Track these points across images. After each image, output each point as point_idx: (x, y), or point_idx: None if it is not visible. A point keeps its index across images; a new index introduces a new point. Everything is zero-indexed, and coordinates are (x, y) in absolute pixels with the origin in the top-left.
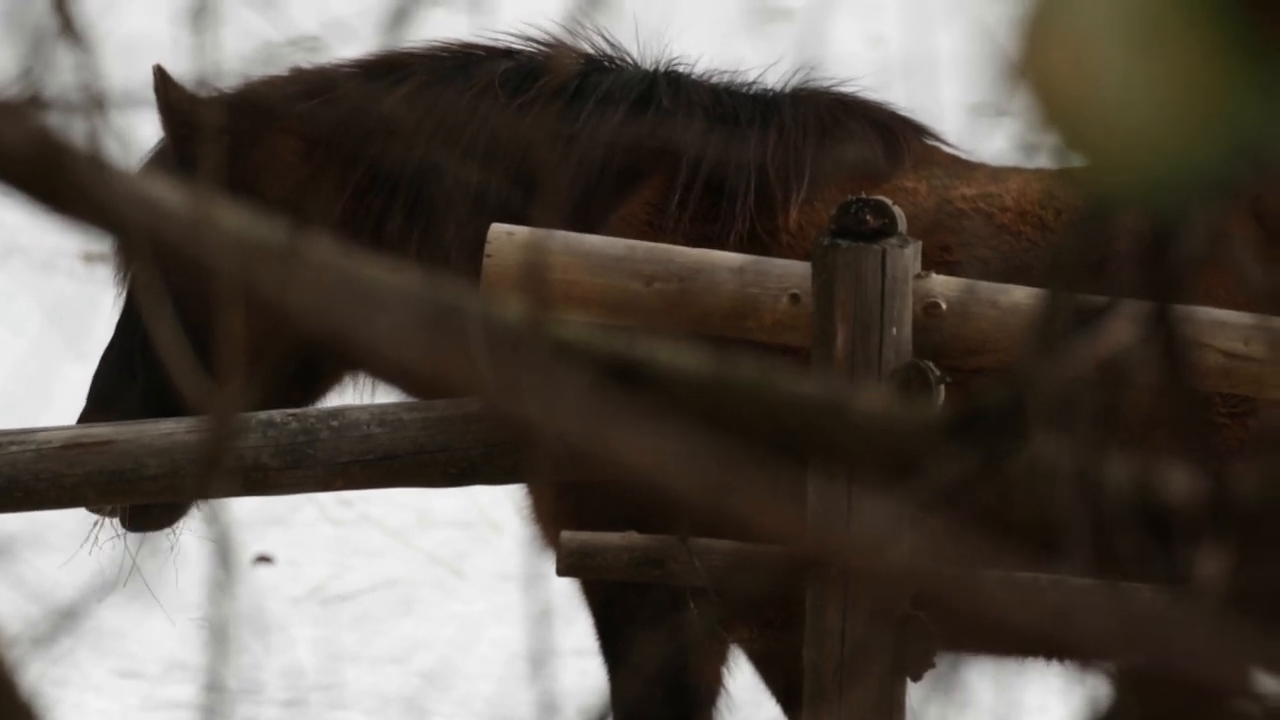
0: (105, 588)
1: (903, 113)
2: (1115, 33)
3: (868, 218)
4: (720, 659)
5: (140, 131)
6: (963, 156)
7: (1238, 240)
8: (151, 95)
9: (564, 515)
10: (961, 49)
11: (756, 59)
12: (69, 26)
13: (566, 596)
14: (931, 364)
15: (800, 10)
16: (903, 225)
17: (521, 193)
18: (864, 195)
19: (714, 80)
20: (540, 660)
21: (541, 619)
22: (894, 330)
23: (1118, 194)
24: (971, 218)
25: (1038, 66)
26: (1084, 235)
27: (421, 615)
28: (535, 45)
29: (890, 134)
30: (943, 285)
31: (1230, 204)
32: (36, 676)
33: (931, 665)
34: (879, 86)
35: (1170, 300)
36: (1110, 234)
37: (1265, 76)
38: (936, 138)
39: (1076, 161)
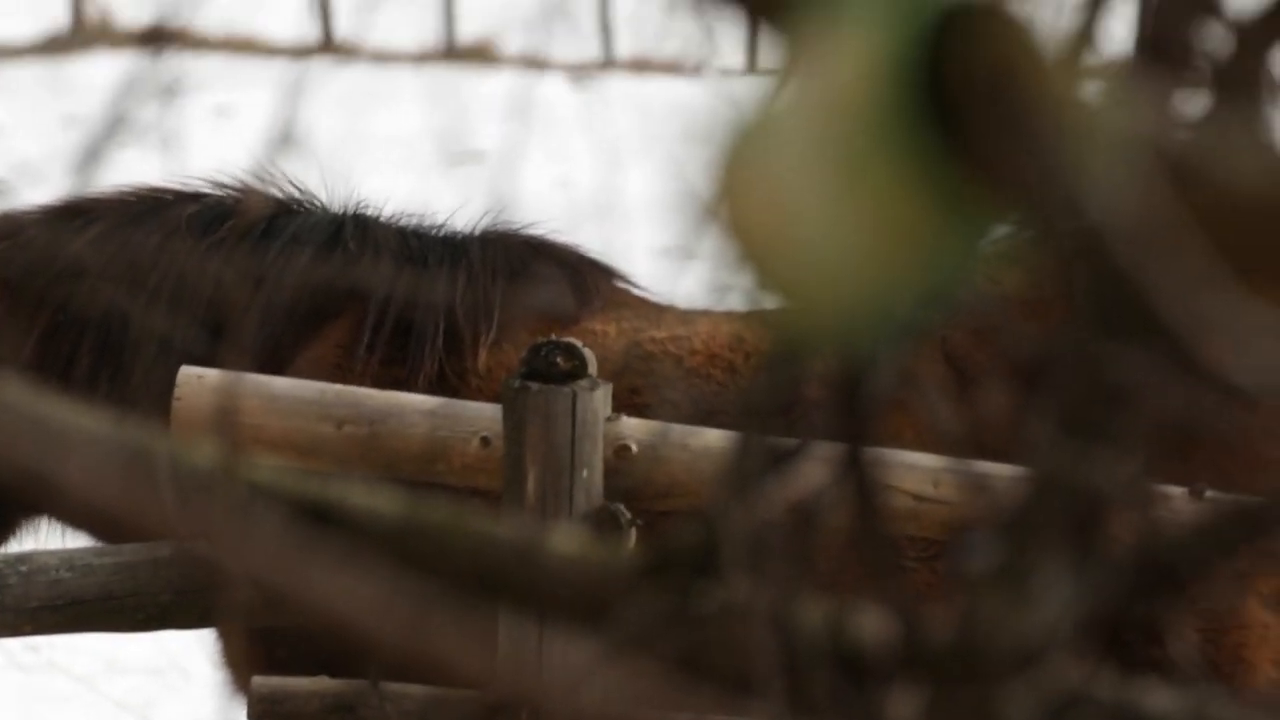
0: None
1: (592, 255)
2: (810, 173)
3: (558, 360)
4: None
5: None
6: (652, 299)
7: (927, 382)
8: None
9: (256, 660)
10: (653, 191)
11: (447, 201)
12: None
13: None
14: (622, 506)
15: (490, 153)
16: (593, 367)
17: (210, 334)
18: (554, 337)
19: (402, 222)
20: None
21: None
22: (585, 473)
23: (809, 335)
24: (661, 360)
25: (732, 207)
26: (775, 377)
27: None
28: (224, 189)
29: (579, 276)
30: (633, 428)
31: (919, 345)
32: None
33: None
34: (568, 229)
35: (860, 443)
36: (801, 376)
37: (958, 218)
38: (626, 280)
39: (769, 302)
